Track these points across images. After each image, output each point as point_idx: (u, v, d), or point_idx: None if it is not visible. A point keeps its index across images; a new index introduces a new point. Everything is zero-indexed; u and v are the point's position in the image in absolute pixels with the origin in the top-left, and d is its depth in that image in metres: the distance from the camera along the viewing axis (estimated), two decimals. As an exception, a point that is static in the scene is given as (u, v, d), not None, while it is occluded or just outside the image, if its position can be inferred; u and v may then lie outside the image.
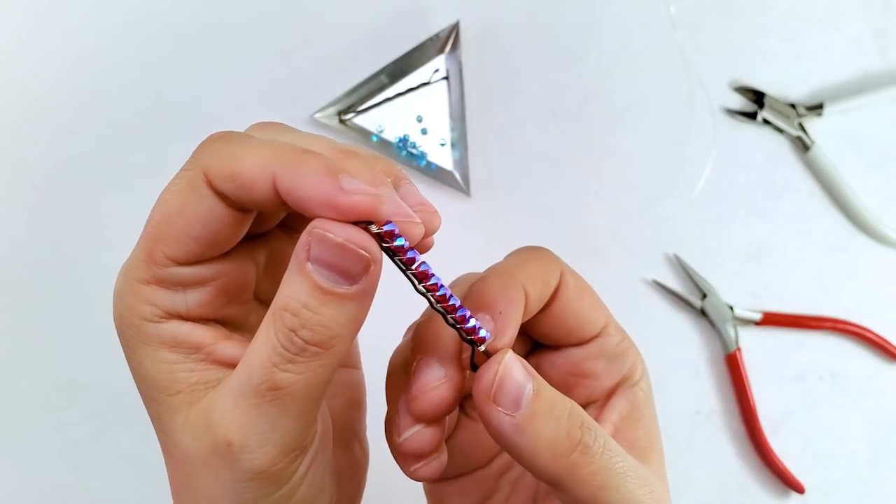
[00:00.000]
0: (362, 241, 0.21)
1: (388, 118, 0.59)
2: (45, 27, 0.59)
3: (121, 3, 0.59)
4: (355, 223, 0.22)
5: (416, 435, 0.26)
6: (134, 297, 0.24)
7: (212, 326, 0.25)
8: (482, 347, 0.25)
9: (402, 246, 0.22)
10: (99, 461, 0.57)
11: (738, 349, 0.58)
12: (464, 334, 0.25)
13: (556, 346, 0.30)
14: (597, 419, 0.29)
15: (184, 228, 0.23)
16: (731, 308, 0.58)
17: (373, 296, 0.22)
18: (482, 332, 0.25)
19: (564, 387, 0.29)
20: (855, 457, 0.59)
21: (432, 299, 0.24)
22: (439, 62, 0.58)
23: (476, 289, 0.27)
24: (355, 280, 0.22)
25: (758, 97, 0.59)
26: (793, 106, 0.59)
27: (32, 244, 0.59)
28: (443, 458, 0.27)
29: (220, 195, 0.23)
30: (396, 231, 0.22)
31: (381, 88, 0.58)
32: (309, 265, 0.21)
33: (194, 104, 0.59)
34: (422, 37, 0.58)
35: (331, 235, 0.21)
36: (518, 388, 0.24)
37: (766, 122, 0.59)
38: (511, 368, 0.25)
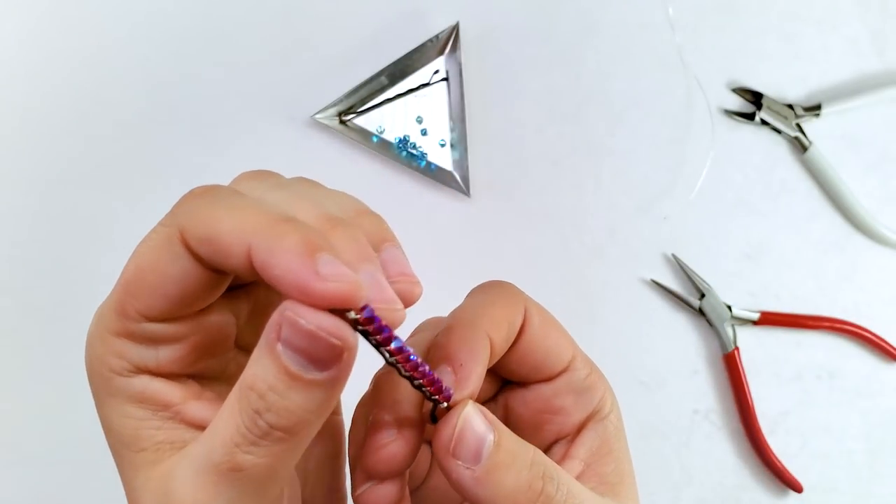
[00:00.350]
0: (335, 328, 0.20)
1: (388, 119, 0.59)
2: (46, 28, 0.59)
3: (122, 5, 0.59)
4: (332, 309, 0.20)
5: (371, 490, 0.25)
6: (104, 347, 0.23)
7: (183, 383, 0.24)
8: (447, 404, 0.25)
9: (379, 328, 0.21)
10: (100, 460, 0.58)
11: (737, 349, 0.58)
12: (428, 394, 0.24)
13: (524, 383, 0.30)
14: (566, 455, 0.29)
15: (156, 285, 0.22)
16: (730, 308, 0.58)
17: (345, 382, 0.21)
18: (450, 391, 0.25)
19: (534, 424, 0.29)
20: (852, 456, 0.60)
21: (401, 368, 0.23)
22: (439, 63, 0.59)
23: (438, 341, 0.26)
24: (326, 367, 0.20)
25: (756, 98, 0.59)
26: (790, 107, 0.59)
27: (33, 245, 0.59)
28: None
29: (196, 256, 0.22)
30: (374, 317, 0.21)
31: (382, 89, 0.59)
32: (279, 346, 0.20)
33: (195, 105, 0.59)
34: (422, 38, 0.58)
35: (302, 322, 0.20)
36: (478, 440, 0.24)
37: (763, 122, 0.59)
38: (470, 420, 0.24)
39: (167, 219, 0.22)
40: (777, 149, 0.60)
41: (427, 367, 0.23)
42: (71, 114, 0.59)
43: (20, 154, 0.59)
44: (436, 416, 0.25)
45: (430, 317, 0.29)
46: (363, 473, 0.25)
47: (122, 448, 0.24)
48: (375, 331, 0.21)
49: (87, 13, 0.59)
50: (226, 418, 0.21)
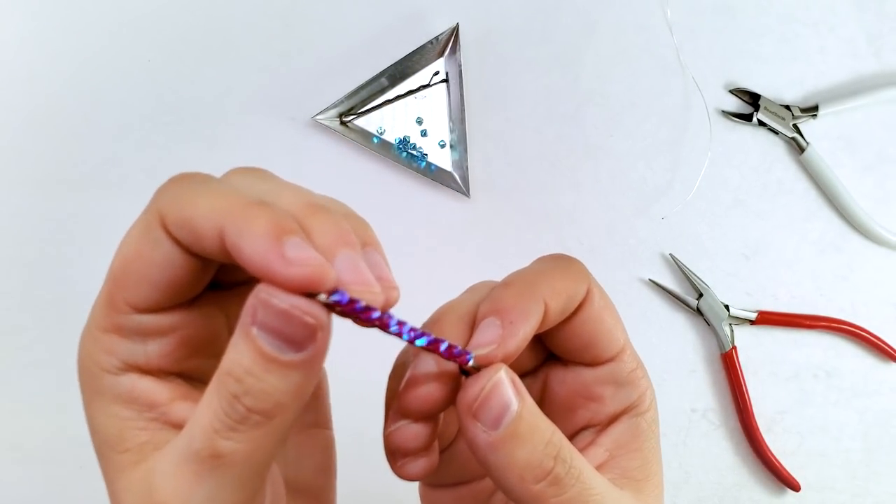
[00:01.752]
0: (308, 307, 0.20)
1: (388, 120, 0.59)
2: (46, 29, 0.59)
3: (123, 5, 0.60)
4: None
5: (402, 429, 0.25)
6: (94, 344, 0.23)
7: (171, 382, 0.24)
8: (469, 364, 0.24)
9: (355, 309, 0.21)
10: (102, 459, 0.58)
11: (734, 348, 0.59)
12: (443, 357, 0.24)
13: (567, 362, 0.29)
14: (592, 442, 0.28)
15: (142, 273, 0.22)
16: (727, 307, 0.59)
17: (321, 363, 0.21)
18: (465, 354, 0.24)
19: (568, 405, 0.29)
20: (849, 455, 0.60)
21: (399, 337, 0.23)
22: (439, 65, 0.59)
23: (496, 293, 0.26)
24: (302, 347, 0.20)
25: (753, 99, 0.59)
26: (788, 108, 0.59)
27: (33, 245, 0.59)
28: (431, 459, 0.26)
29: (176, 241, 0.22)
30: (345, 301, 0.21)
31: (382, 90, 0.59)
32: (254, 330, 0.20)
33: (196, 106, 0.59)
34: (422, 40, 0.58)
35: (275, 301, 0.20)
36: (501, 407, 0.24)
37: (761, 123, 0.59)
38: (499, 386, 0.24)
39: (147, 207, 0.22)
40: (774, 149, 0.60)
41: (430, 337, 0.23)
42: (71, 114, 0.59)
43: (21, 154, 0.59)
44: (465, 371, 0.25)
45: (445, 302, 0.29)
46: (397, 412, 0.25)
47: (106, 449, 0.23)
48: (348, 313, 0.21)
49: (88, 13, 0.60)
50: (205, 406, 0.21)
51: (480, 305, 0.26)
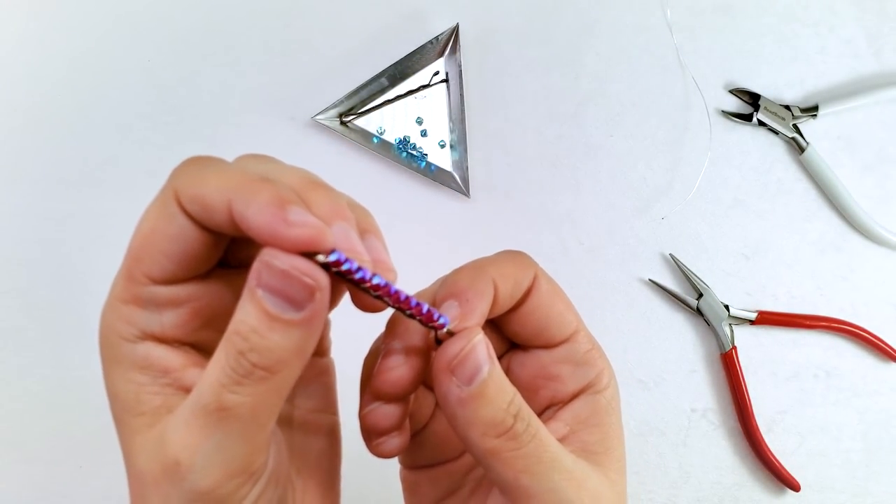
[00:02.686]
0: (307, 268, 0.22)
1: (388, 120, 0.59)
2: (46, 29, 0.60)
3: (122, 5, 0.60)
4: (304, 253, 0.22)
5: (375, 411, 0.27)
6: (113, 315, 0.25)
7: (184, 351, 0.26)
8: (444, 330, 0.26)
9: (350, 269, 0.23)
10: (102, 459, 0.58)
11: (734, 348, 0.59)
12: (423, 322, 0.26)
13: (526, 347, 0.31)
14: (553, 417, 0.30)
15: (158, 246, 0.24)
16: (727, 307, 0.59)
17: (320, 322, 0.23)
18: (441, 320, 0.26)
19: (531, 387, 0.31)
20: (849, 455, 0.60)
21: (388, 301, 0.25)
22: (439, 65, 0.59)
23: (449, 278, 0.28)
24: (302, 307, 0.22)
25: (753, 99, 0.60)
26: (788, 108, 0.59)
27: (34, 245, 0.59)
28: (403, 437, 0.28)
29: (190, 215, 0.24)
30: (343, 259, 0.23)
31: (382, 91, 0.59)
32: (259, 291, 0.22)
33: (196, 106, 0.60)
34: (422, 40, 0.59)
35: (276, 262, 0.22)
36: (476, 366, 0.26)
37: (761, 123, 0.59)
38: (477, 347, 0.26)
39: (164, 186, 0.24)
40: (774, 149, 0.60)
41: (414, 300, 0.25)
42: (72, 114, 0.59)
43: (21, 154, 0.59)
44: (439, 340, 0.27)
45: None
46: (371, 395, 0.28)
47: (122, 413, 0.25)
48: (346, 271, 0.23)
49: (88, 14, 0.60)
50: (213, 364, 0.23)
51: (437, 291, 0.28)
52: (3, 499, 0.58)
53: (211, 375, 0.23)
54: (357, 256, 0.23)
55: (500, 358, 0.31)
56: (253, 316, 0.22)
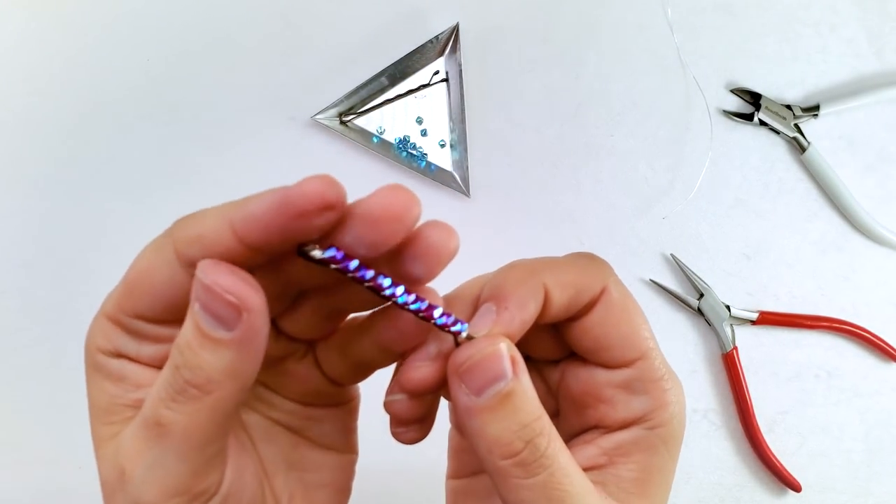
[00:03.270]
0: (230, 285, 0.21)
1: (388, 119, 0.59)
2: (46, 29, 0.60)
3: (122, 5, 0.60)
4: (299, 248, 0.21)
5: (397, 402, 0.26)
6: (98, 327, 0.24)
7: (158, 370, 0.25)
8: (463, 336, 0.25)
9: (348, 267, 0.21)
10: (102, 459, 0.58)
11: (735, 348, 0.58)
12: (441, 327, 0.24)
13: (584, 360, 0.28)
14: (592, 442, 0.28)
15: (150, 287, 0.23)
16: (728, 307, 0.59)
17: (254, 346, 0.22)
18: (456, 327, 0.24)
19: (579, 403, 0.28)
20: (851, 455, 0.60)
21: (396, 304, 0.23)
22: (439, 64, 0.59)
23: (496, 278, 0.26)
24: (230, 327, 0.21)
25: (754, 99, 0.59)
26: (789, 107, 0.59)
27: (33, 245, 0.59)
28: (423, 430, 0.27)
29: (184, 262, 0.23)
30: (339, 257, 0.21)
31: (382, 90, 0.59)
32: (196, 305, 0.21)
33: (196, 106, 0.59)
34: (422, 39, 0.58)
35: (200, 276, 0.21)
36: (490, 377, 0.24)
37: (762, 123, 0.59)
38: (494, 357, 0.24)
39: (164, 231, 0.24)
40: (775, 149, 0.60)
41: (423, 304, 0.23)
42: (71, 114, 0.59)
43: (21, 154, 0.59)
44: (458, 343, 0.25)
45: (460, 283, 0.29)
46: (395, 385, 0.27)
47: (95, 420, 0.25)
48: (345, 270, 0.21)
49: (87, 14, 0.60)
50: (159, 376, 0.23)
51: (483, 288, 0.26)
52: (3, 499, 0.58)
53: (154, 388, 0.23)
54: (371, 214, 0.21)
55: (556, 364, 0.30)
56: (189, 330, 0.22)
